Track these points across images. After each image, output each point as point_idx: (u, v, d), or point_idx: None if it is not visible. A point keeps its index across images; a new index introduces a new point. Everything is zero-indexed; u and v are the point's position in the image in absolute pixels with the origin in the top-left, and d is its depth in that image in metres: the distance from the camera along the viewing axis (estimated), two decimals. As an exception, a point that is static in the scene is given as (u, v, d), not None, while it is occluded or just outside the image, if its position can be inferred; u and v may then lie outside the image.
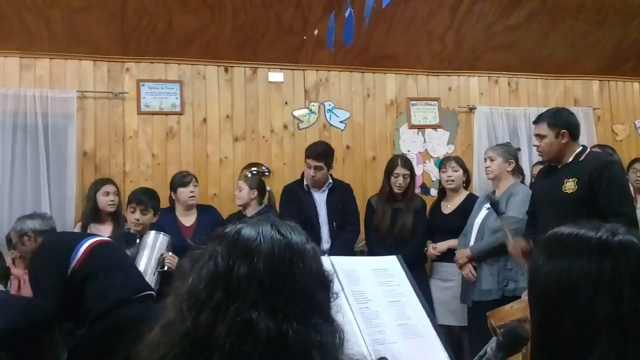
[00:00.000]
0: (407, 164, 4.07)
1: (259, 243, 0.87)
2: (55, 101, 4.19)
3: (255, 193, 3.97)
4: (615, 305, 0.93)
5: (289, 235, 0.90)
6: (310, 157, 3.93)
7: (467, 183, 4.15)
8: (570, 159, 3.10)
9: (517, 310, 2.46)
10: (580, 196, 2.94)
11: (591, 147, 3.59)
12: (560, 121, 3.11)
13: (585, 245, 0.99)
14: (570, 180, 2.99)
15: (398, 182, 3.98)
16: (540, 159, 3.65)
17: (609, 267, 0.95)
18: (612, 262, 0.96)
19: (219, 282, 0.84)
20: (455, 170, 4.01)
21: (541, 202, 3.18)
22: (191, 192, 3.90)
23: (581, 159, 3.08)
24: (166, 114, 4.49)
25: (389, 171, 4.03)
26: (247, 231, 0.89)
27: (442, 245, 3.93)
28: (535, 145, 3.21)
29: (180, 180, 3.93)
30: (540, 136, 3.12)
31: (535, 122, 3.20)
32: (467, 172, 4.13)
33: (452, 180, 4.01)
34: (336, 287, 0.97)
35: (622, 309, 0.93)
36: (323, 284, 0.91)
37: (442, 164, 4.16)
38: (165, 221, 3.76)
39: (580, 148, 3.16)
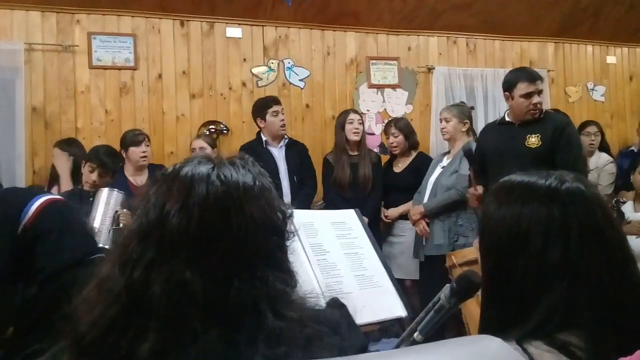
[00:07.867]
0: (358, 112, 4.26)
1: (194, 192, 0.78)
2: (1, 53, 3.98)
3: (216, 152, 3.93)
4: (564, 251, 0.95)
5: (230, 177, 0.81)
6: (277, 103, 4.07)
7: (413, 145, 4.19)
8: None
9: (473, 250, 2.65)
10: (542, 151, 3.14)
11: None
12: None
13: (534, 192, 1.00)
14: (534, 135, 3.19)
15: (354, 127, 4.03)
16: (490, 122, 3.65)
17: (557, 213, 0.97)
18: (560, 208, 0.97)
19: (150, 237, 0.76)
20: (396, 136, 4.07)
21: (496, 157, 3.29)
22: (143, 152, 3.71)
23: (540, 116, 3.26)
24: (119, 68, 4.33)
25: (343, 122, 4.10)
26: (183, 176, 0.81)
27: (394, 212, 4.03)
28: (537, 103, 3.25)
29: (132, 138, 3.73)
30: (541, 93, 3.29)
31: (538, 79, 3.29)
32: (410, 135, 4.15)
33: (395, 147, 4.12)
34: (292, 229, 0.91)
35: (570, 255, 0.94)
36: (270, 229, 0.81)
37: (385, 129, 4.23)
38: (116, 181, 3.54)
39: None
